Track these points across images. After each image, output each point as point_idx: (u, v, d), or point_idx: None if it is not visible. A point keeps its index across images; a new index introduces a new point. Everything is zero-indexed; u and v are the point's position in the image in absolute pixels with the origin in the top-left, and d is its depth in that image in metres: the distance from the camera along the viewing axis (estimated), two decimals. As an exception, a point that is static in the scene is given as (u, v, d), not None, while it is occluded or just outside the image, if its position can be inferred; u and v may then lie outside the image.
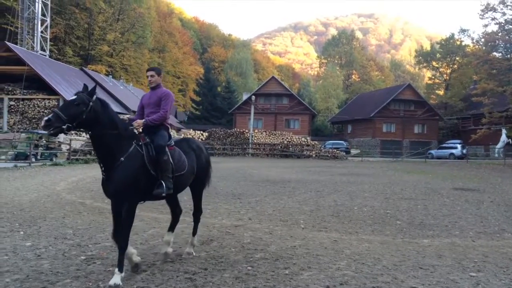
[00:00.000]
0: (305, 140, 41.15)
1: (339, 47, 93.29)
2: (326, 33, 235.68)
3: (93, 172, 16.67)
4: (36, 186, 12.48)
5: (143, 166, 4.37)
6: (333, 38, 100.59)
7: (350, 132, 61.19)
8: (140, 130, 4.68)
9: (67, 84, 35.52)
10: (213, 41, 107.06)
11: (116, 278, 4.08)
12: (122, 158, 4.21)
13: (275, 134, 41.37)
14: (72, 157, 23.43)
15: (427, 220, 8.46)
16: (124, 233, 4.25)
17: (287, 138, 40.23)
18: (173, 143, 4.91)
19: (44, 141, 24.28)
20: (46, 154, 23.74)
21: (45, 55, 41.58)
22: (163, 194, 4.48)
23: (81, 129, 4.19)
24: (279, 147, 38.87)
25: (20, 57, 32.99)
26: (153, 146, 4.57)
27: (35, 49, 40.57)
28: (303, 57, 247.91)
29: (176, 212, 5.38)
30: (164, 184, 4.46)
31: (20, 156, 21.98)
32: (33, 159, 21.62)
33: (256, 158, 36.34)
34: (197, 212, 5.57)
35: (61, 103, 28.60)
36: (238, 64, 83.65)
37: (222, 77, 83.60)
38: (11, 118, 32.89)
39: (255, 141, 39.76)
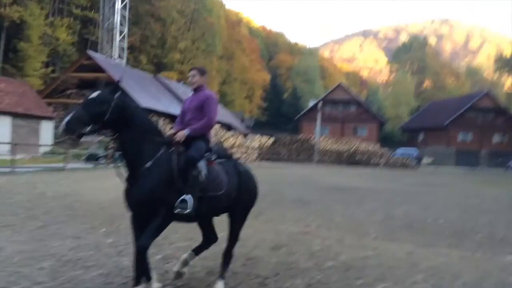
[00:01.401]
0: (373, 147, 40.07)
1: (411, 53, 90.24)
2: (396, 39, 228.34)
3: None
4: (114, 186, 13.14)
5: (172, 177, 3.73)
6: (405, 44, 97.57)
7: (422, 141, 58.63)
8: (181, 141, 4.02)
9: (142, 90, 37.41)
10: (280, 48, 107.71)
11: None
12: (149, 164, 3.66)
13: (341, 141, 40.71)
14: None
15: (510, 236, 7.87)
16: (150, 238, 3.63)
17: (354, 145, 39.41)
18: (213, 158, 4.14)
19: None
20: (116, 157, 24.87)
21: (122, 63, 44.16)
22: (187, 211, 3.65)
23: (106, 132, 3.67)
24: (346, 154, 38.14)
25: (100, 65, 35.33)
26: (185, 157, 3.88)
27: (113, 57, 43.25)
28: (372, 64, 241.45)
29: (210, 237, 4.58)
30: (187, 201, 3.67)
31: (91, 158, 22.55)
32: (102, 161, 22.18)
33: (322, 165, 35.91)
34: (232, 242, 4.41)
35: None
36: (305, 71, 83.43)
37: (288, 83, 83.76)
38: (91, 122, 35.14)
39: (321, 148, 39.34)
